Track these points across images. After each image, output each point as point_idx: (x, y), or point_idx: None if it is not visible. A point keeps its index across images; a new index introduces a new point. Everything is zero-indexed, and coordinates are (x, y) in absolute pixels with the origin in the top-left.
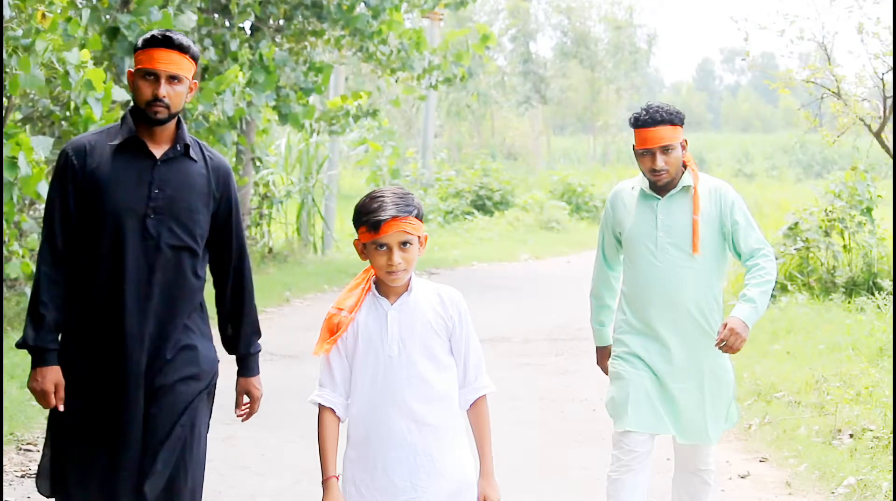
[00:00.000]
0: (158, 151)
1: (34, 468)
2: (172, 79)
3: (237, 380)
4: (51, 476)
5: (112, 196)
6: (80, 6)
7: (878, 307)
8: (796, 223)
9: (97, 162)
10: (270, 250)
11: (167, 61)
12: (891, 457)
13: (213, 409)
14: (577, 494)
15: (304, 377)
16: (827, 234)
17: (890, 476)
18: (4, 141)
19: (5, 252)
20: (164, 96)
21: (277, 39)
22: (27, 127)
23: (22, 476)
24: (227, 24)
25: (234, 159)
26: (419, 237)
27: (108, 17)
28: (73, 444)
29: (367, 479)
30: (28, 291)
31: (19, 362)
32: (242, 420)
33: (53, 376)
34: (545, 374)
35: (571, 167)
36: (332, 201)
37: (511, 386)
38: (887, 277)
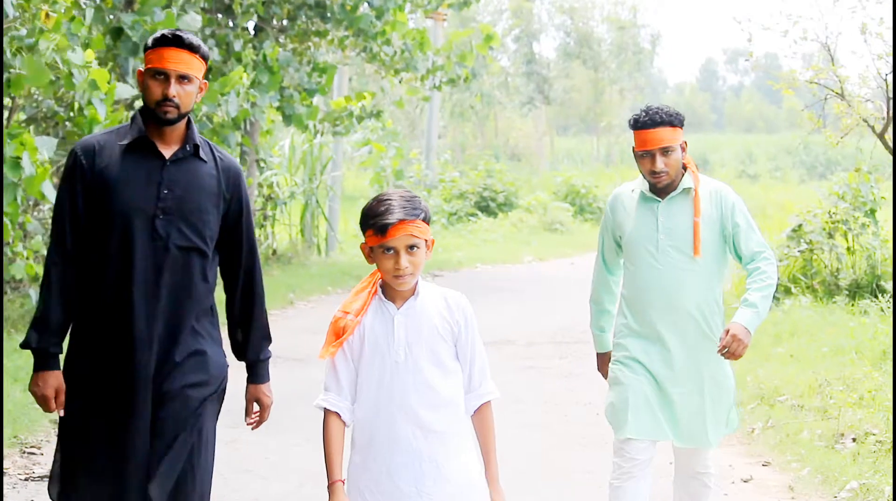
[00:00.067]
0: (168, 152)
1: (38, 471)
2: (182, 78)
3: (247, 387)
4: (60, 479)
5: (121, 196)
6: (83, 6)
7: (882, 310)
8: (800, 225)
9: (106, 162)
10: (274, 252)
11: (177, 61)
12: (893, 461)
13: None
14: (581, 498)
15: (309, 380)
16: (830, 236)
17: (892, 480)
18: (8, 141)
19: (10, 253)
20: (174, 96)
21: (281, 40)
22: (31, 127)
23: (26, 480)
24: (230, 24)
25: (238, 160)
26: (426, 241)
27: (111, 17)
28: (80, 447)
29: (371, 484)
30: (32, 292)
31: (23, 365)
32: (252, 428)
33: (54, 381)
34: (549, 377)
35: (575, 168)
36: (335, 202)
37: (515, 389)
38: (891, 279)
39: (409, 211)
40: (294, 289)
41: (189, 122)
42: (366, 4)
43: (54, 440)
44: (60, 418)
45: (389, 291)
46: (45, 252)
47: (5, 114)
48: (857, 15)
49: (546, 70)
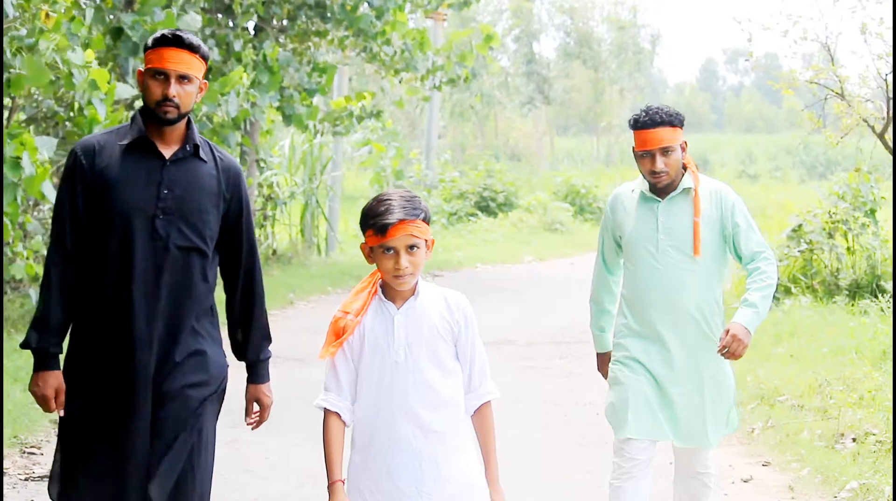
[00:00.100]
0: (168, 152)
1: (38, 471)
2: (182, 78)
3: (247, 387)
4: (60, 479)
5: (121, 196)
6: (83, 6)
7: (882, 310)
8: (800, 225)
9: (106, 162)
10: (274, 252)
11: (177, 61)
12: (892, 461)
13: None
14: (581, 498)
15: (309, 380)
16: (830, 236)
17: (892, 480)
18: (8, 141)
19: (10, 253)
20: (174, 96)
21: (281, 40)
22: (31, 127)
23: (26, 480)
24: (230, 24)
25: (238, 161)
26: (426, 241)
27: (111, 17)
28: (80, 447)
29: (371, 484)
30: (32, 292)
31: (23, 365)
32: (252, 429)
33: (54, 381)
34: (549, 377)
35: (575, 168)
36: (335, 202)
37: (515, 389)
38: (891, 279)
39: (410, 211)
40: (294, 289)
41: (189, 122)
42: (366, 4)
43: (54, 440)
44: (60, 418)
45: (389, 291)
46: (45, 252)
47: (5, 114)
48: (857, 15)
49: (546, 70)
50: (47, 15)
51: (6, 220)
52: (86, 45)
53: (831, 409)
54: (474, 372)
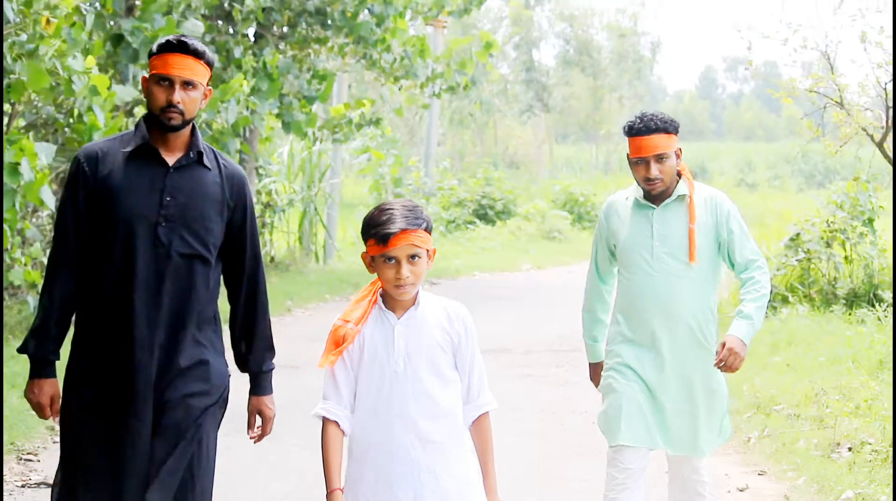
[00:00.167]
0: (171, 159)
1: (35, 478)
2: (187, 84)
3: (249, 399)
4: (60, 484)
5: (123, 203)
6: (84, 12)
7: (879, 319)
8: (798, 234)
9: (109, 169)
10: (272, 260)
11: (182, 66)
12: (889, 471)
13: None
14: None
15: (306, 387)
16: (828, 245)
17: (888, 490)
18: (7, 147)
19: (8, 260)
20: (179, 102)
21: (281, 47)
22: (30, 134)
23: (23, 486)
24: (230, 31)
25: (242, 168)
26: (428, 251)
27: (112, 23)
28: (79, 452)
29: (370, 494)
30: (30, 299)
31: (20, 371)
32: (254, 442)
33: (50, 388)
34: (546, 385)
35: (574, 176)
36: (334, 209)
37: (512, 398)
38: (888, 288)
39: (412, 221)
40: (292, 296)
41: (194, 128)
42: (366, 11)
43: (51, 446)
44: (61, 423)
45: (390, 300)
46: (43, 259)
47: (4, 120)
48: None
49: (545, 78)
50: (48, 21)
51: (5, 226)
52: (86, 52)
53: (827, 418)
54: (473, 383)
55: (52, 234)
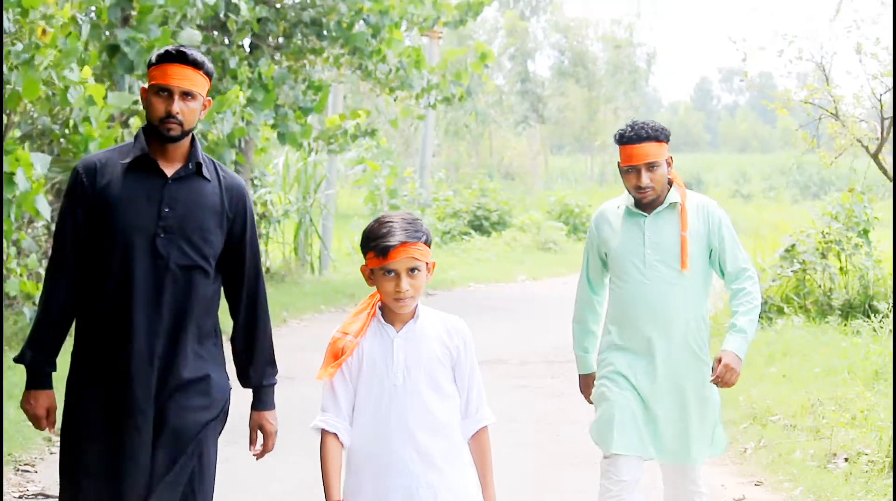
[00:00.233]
0: (170, 170)
1: (32, 489)
2: (186, 95)
3: (250, 414)
4: (60, 495)
5: (122, 215)
6: (80, 22)
7: (874, 330)
8: (793, 245)
9: (107, 180)
10: (268, 270)
11: (181, 77)
12: (886, 481)
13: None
14: None
15: (302, 398)
16: (823, 256)
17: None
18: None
19: (3, 270)
20: (178, 113)
21: (276, 58)
22: (26, 144)
23: (20, 497)
24: (225, 41)
25: (242, 179)
26: (427, 264)
27: (107, 33)
28: (81, 464)
29: None
30: (26, 310)
31: (17, 382)
32: (257, 459)
33: (46, 400)
34: (542, 396)
35: (569, 187)
36: (329, 220)
37: (508, 409)
38: (883, 299)
39: (411, 233)
40: (287, 307)
41: (193, 139)
42: (361, 22)
43: (49, 458)
44: (62, 436)
45: (389, 313)
46: (39, 270)
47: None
48: (853, 35)
49: (540, 89)
50: (44, 31)
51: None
52: (82, 62)
53: (824, 429)
54: (472, 397)
55: (50, 245)
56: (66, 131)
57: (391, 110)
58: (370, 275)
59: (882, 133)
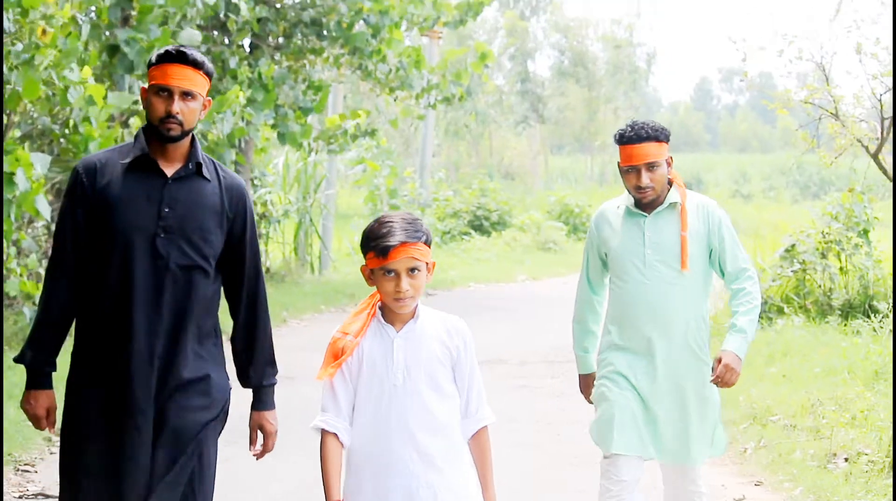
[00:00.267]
0: (170, 170)
1: (32, 488)
2: (186, 95)
3: (250, 414)
4: (60, 494)
5: (121, 215)
6: (80, 22)
7: (874, 330)
8: (793, 245)
9: (107, 180)
10: (268, 270)
11: (181, 77)
12: (886, 481)
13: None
14: None
15: (302, 397)
16: (823, 256)
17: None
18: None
19: (3, 270)
20: (178, 113)
21: (276, 58)
22: (26, 144)
23: (20, 497)
24: (225, 41)
25: (242, 180)
26: (427, 264)
27: (107, 33)
28: (81, 463)
29: None
30: (26, 310)
31: (17, 382)
32: (257, 459)
33: (46, 400)
34: (542, 396)
35: (569, 187)
36: (329, 220)
37: (508, 408)
38: (883, 299)
39: (411, 233)
40: (287, 307)
41: (193, 139)
42: (361, 22)
43: (48, 457)
44: (62, 435)
45: (389, 313)
46: (39, 270)
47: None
48: (853, 35)
49: (540, 89)
50: (44, 31)
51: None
52: (82, 62)
53: (824, 429)
54: (472, 397)
55: (50, 245)
56: (66, 131)
57: (391, 110)
58: (370, 275)
59: (882, 133)
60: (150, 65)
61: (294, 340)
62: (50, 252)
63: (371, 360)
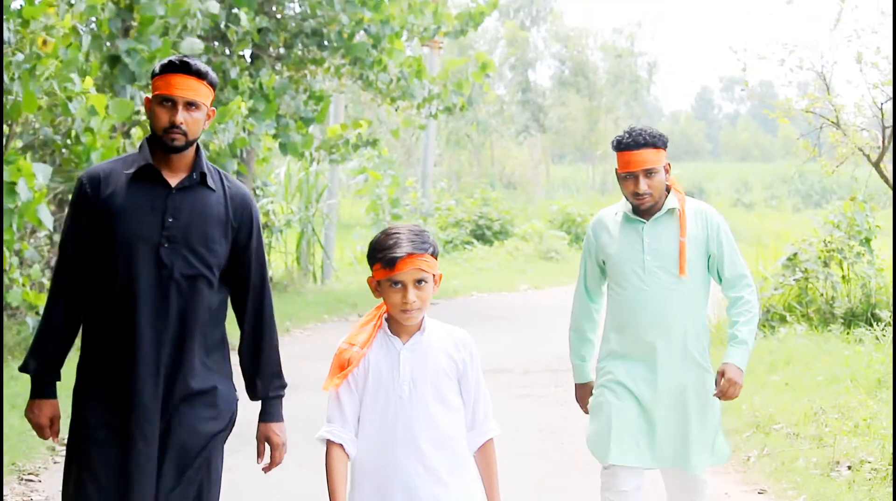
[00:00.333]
0: (174, 180)
1: (36, 498)
2: (190, 105)
3: (258, 426)
4: None
5: (125, 225)
6: (80, 33)
7: (877, 338)
8: (795, 254)
9: (111, 190)
10: (270, 280)
11: (184, 87)
12: (889, 489)
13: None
14: None
15: (304, 406)
16: (826, 264)
17: None
18: (5, 167)
19: (6, 281)
20: (182, 123)
21: (277, 68)
22: (27, 155)
23: None
24: (226, 52)
25: (248, 189)
26: (434, 276)
27: (108, 44)
28: (87, 473)
29: None
30: (29, 320)
31: (20, 391)
32: (265, 472)
33: (49, 409)
34: (545, 405)
35: (570, 196)
36: (331, 230)
37: (511, 418)
38: (886, 307)
39: (418, 245)
40: (290, 317)
41: (198, 149)
42: (362, 32)
43: (52, 467)
44: (68, 444)
45: (395, 325)
46: (43, 280)
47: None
48: (853, 44)
49: (541, 98)
50: (44, 41)
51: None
52: (83, 73)
53: (827, 437)
54: (478, 410)
55: (52, 255)
56: (68, 142)
57: (392, 120)
58: (377, 287)
59: (883, 142)
60: (153, 75)
61: (297, 349)
62: (53, 262)
63: (377, 371)
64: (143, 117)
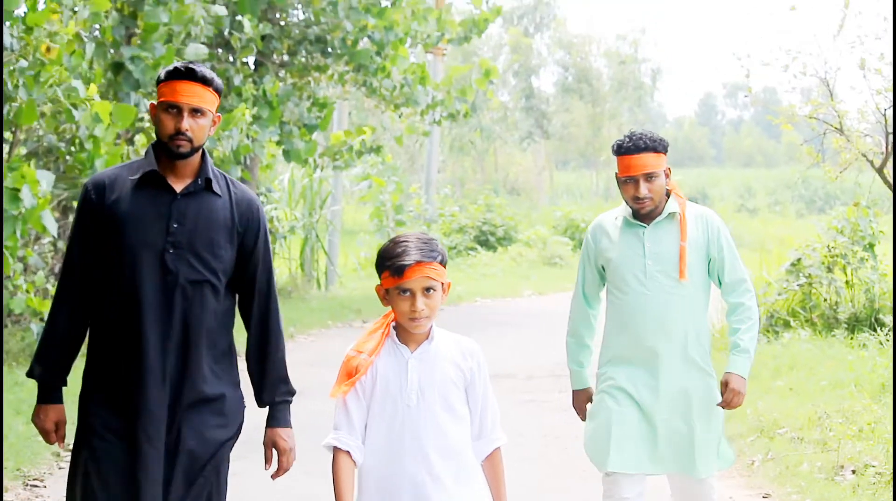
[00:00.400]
0: (179, 186)
1: None
2: (195, 112)
3: (265, 431)
4: None
5: (130, 231)
6: (84, 39)
7: (881, 343)
8: (799, 260)
9: (116, 197)
10: None
11: (190, 94)
12: (892, 493)
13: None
14: None
15: (309, 412)
16: (829, 270)
17: None
18: (8, 174)
19: (10, 287)
20: (187, 129)
21: (281, 75)
22: (31, 162)
23: None
24: (230, 59)
25: (255, 194)
26: (443, 284)
27: (112, 51)
28: (95, 478)
29: None
30: (33, 326)
31: (25, 397)
32: (273, 478)
33: (55, 414)
34: (549, 410)
35: (574, 203)
36: (335, 236)
37: (515, 423)
38: (889, 313)
39: (427, 253)
40: (294, 323)
41: (204, 155)
42: (366, 39)
43: (57, 472)
44: (74, 449)
45: (403, 334)
46: (47, 286)
47: (6, 148)
48: (856, 50)
49: (545, 105)
50: (48, 48)
51: (6, 253)
52: (87, 80)
53: (831, 441)
54: (486, 419)
55: (56, 261)
56: (72, 149)
57: (396, 127)
58: (385, 295)
59: (886, 148)
60: (158, 81)
61: (301, 355)
62: (57, 269)
63: (385, 379)
64: (147, 124)
